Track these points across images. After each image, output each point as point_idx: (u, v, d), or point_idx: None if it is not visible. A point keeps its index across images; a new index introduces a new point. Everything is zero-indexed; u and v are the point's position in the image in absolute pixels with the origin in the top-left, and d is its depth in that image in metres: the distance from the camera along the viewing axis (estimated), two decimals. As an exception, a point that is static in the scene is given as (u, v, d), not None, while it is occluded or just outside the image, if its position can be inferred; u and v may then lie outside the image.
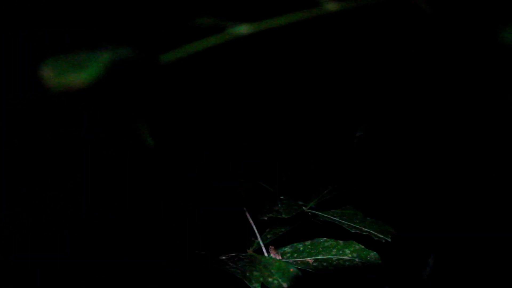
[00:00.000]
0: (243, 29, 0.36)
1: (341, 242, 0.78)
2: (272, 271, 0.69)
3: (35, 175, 0.54)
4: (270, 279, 0.68)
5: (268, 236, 0.84)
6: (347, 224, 0.78)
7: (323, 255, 0.76)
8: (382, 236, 0.76)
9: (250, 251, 0.82)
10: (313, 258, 0.77)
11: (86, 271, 0.64)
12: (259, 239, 0.80)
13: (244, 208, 0.80)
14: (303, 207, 0.80)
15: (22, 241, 0.56)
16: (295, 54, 0.83)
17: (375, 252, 0.76)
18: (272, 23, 0.37)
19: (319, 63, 0.90)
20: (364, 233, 0.77)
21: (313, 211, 0.82)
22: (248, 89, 0.91)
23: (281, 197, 0.80)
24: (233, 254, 0.73)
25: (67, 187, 0.60)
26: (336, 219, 0.79)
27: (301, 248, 0.79)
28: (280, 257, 0.79)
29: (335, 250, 0.77)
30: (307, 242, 0.80)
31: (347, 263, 0.74)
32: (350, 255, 0.75)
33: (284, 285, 0.67)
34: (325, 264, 0.75)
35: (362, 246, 0.76)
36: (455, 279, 1.18)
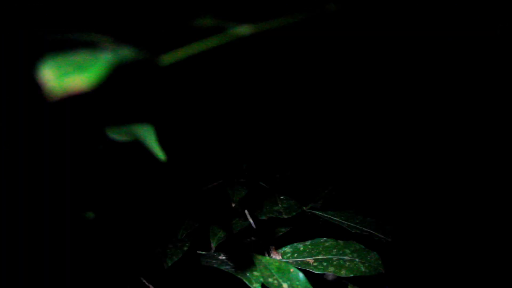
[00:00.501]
0: (244, 30, 0.36)
1: (341, 242, 0.78)
2: (272, 271, 0.69)
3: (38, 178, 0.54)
4: (270, 279, 0.68)
5: (269, 236, 0.84)
6: (347, 224, 0.78)
7: (324, 255, 0.76)
8: (382, 236, 0.76)
9: (250, 251, 0.82)
10: (313, 258, 0.76)
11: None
12: (260, 239, 0.80)
13: (245, 210, 0.80)
14: (303, 207, 0.80)
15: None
16: (294, 56, 0.83)
17: (375, 252, 0.76)
18: (272, 24, 0.37)
19: (317, 64, 0.90)
20: (365, 233, 0.77)
21: (313, 211, 0.82)
22: (247, 90, 0.90)
23: (281, 197, 0.80)
24: (233, 254, 0.73)
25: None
26: (336, 219, 0.79)
27: (302, 248, 0.79)
28: (280, 257, 0.79)
29: (335, 250, 0.76)
30: (308, 242, 0.79)
31: (347, 263, 0.74)
32: (350, 255, 0.75)
33: (284, 285, 0.67)
34: (325, 264, 0.75)
35: (362, 246, 0.76)
36: (455, 279, 1.18)
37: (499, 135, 0.97)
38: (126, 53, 0.34)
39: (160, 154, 0.40)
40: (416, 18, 0.77)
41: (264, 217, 0.74)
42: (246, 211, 0.80)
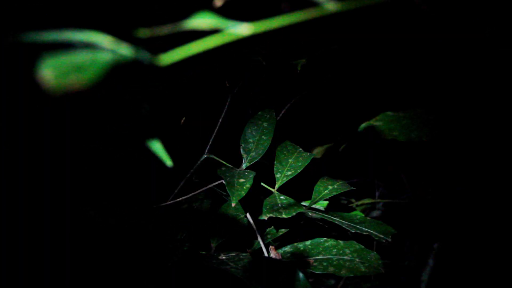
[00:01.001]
0: (243, 29, 0.36)
1: (341, 242, 0.78)
2: (272, 271, 0.69)
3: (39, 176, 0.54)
4: (270, 279, 0.68)
5: (268, 236, 0.84)
6: (347, 224, 0.78)
7: (324, 255, 0.76)
8: (382, 236, 0.76)
9: (250, 251, 0.82)
10: (313, 258, 0.76)
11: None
12: (259, 239, 0.80)
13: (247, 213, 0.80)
14: (304, 208, 0.80)
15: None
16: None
17: (375, 252, 0.76)
18: (272, 23, 0.37)
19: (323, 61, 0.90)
20: (364, 233, 0.77)
21: (313, 211, 0.82)
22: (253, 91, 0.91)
23: (281, 197, 0.80)
24: (233, 254, 0.73)
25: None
26: (337, 219, 0.79)
27: (302, 248, 0.79)
28: (280, 257, 0.79)
29: (335, 250, 0.76)
30: (308, 242, 0.79)
31: (347, 263, 0.74)
32: (350, 255, 0.75)
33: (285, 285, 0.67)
34: (325, 264, 0.75)
35: (362, 246, 0.76)
36: (454, 279, 1.18)
37: (494, 135, 0.98)
38: (125, 52, 0.34)
39: (167, 160, 0.41)
40: (406, 21, 0.77)
41: (264, 217, 0.74)
42: (246, 213, 0.80)
